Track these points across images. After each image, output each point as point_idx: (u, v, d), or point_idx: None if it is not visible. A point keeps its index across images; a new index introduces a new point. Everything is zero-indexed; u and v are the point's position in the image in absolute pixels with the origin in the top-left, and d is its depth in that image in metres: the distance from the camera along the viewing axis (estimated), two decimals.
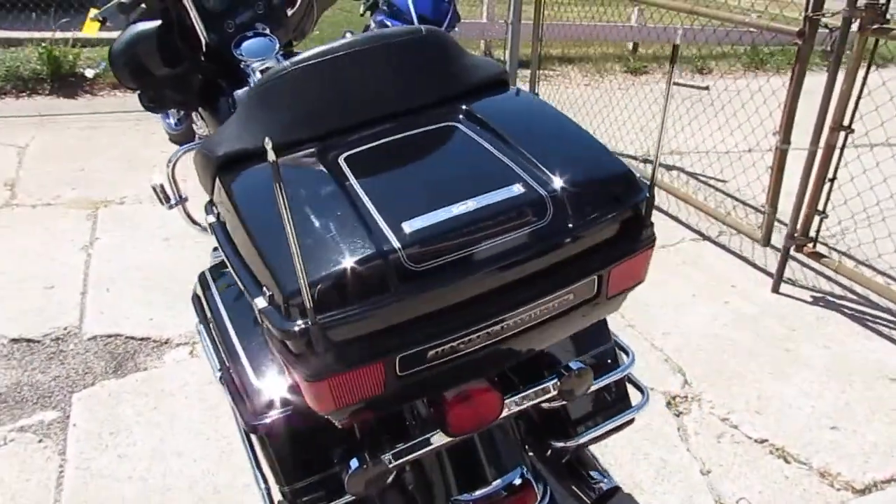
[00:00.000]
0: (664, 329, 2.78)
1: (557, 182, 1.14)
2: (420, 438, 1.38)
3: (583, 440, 1.58)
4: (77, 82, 5.29)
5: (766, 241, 3.20)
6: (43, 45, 5.24)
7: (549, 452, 1.66)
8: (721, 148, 4.02)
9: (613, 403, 1.63)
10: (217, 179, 1.30)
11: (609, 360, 1.61)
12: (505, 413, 1.42)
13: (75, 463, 2.04)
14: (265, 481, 1.43)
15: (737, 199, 3.89)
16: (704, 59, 6.77)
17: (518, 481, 1.47)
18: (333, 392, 1.06)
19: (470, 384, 1.34)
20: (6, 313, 2.69)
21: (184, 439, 2.13)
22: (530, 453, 1.65)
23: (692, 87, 5.93)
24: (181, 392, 2.33)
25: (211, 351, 1.60)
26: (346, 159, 1.24)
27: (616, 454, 2.17)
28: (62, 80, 5.27)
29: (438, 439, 1.37)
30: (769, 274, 3.14)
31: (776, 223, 3.21)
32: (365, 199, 1.14)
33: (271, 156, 0.81)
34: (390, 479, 1.41)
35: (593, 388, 1.53)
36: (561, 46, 6.69)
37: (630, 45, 7.15)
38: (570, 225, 1.13)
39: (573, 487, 1.63)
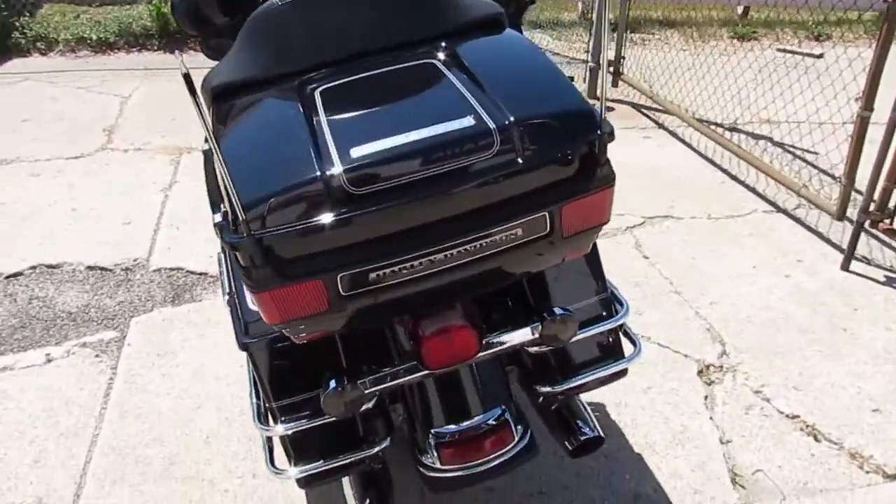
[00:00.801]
0: (713, 298, 2.69)
1: (511, 117, 1.15)
2: (398, 368, 1.45)
3: (566, 387, 1.59)
4: (182, 38, 5.63)
5: (841, 215, 3.00)
6: (153, 2, 5.62)
7: (541, 399, 1.68)
8: (819, 118, 3.77)
9: (604, 353, 1.62)
10: (211, 110, 1.40)
11: (602, 311, 1.60)
12: (484, 353, 1.46)
13: (123, 377, 2.26)
14: (258, 397, 1.53)
15: (823, 172, 3.66)
16: (822, 24, 6.29)
17: (493, 421, 1.50)
18: (277, 304, 1.13)
19: (447, 320, 1.39)
20: (87, 244, 2.97)
21: (222, 365, 2.31)
22: (521, 396, 1.66)
23: (803, 54, 5.56)
24: (227, 323, 2.50)
25: (224, 277, 1.73)
26: (321, 91, 1.31)
27: (634, 414, 2.15)
28: (169, 37, 5.63)
29: (416, 371, 1.43)
30: (841, 250, 2.95)
31: (854, 196, 3.01)
32: (325, 127, 1.20)
33: (183, 69, 0.88)
34: (370, 403, 1.49)
35: (580, 336, 1.54)
36: (662, 9, 6.42)
37: (740, 9, 6.75)
38: (517, 159, 1.14)
39: (559, 434, 1.65)
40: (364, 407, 1.49)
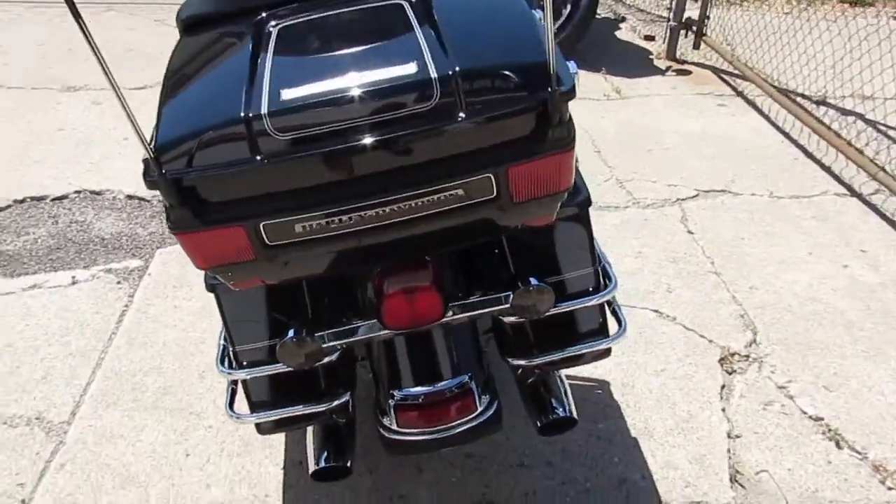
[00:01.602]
0: (754, 283, 2.50)
1: (457, 67, 1.06)
2: (359, 325, 1.40)
3: (539, 361, 1.51)
4: None
5: None
6: None
7: (519, 371, 1.60)
8: None
9: (585, 330, 1.52)
10: (180, 43, 1.36)
11: (587, 285, 1.49)
12: (449, 318, 1.40)
13: (137, 306, 2.32)
14: (227, 340, 1.52)
15: None
16: None
17: (456, 389, 1.44)
18: (199, 248, 1.10)
19: (412, 280, 1.33)
20: (131, 173, 3.06)
21: None
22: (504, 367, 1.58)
23: None
24: None
25: None
26: (280, 28, 1.24)
27: (639, 397, 2.03)
28: None
29: (377, 330, 1.38)
30: None
31: None
32: (268, 67, 1.14)
33: None
34: (333, 357, 1.45)
35: (559, 310, 1.44)
36: None
37: None
38: (458, 113, 1.05)
39: (531, 410, 1.57)
40: (327, 359, 1.46)
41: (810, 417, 1.98)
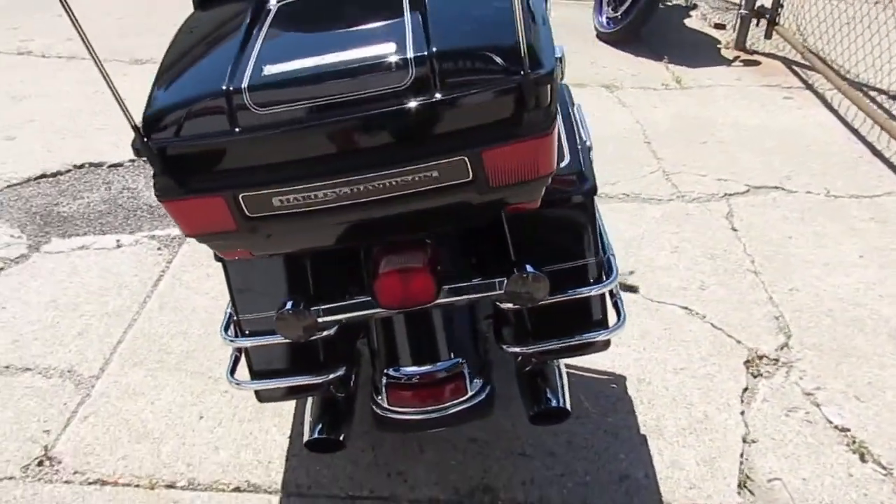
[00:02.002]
0: (795, 285, 2.39)
1: (433, 48, 1.05)
2: (353, 301, 1.42)
3: (532, 349, 1.50)
4: None
5: None
6: None
7: (519, 358, 1.59)
8: None
9: (582, 321, 1.49)
10: (189, 17, 1.41)
11: (587, 275, 1.47)
12: (443, 300, 1.40)
13: (173, 272, 2.42)
14: (232, 308, 1.57)
15: None
16: None
17: (446, 372, 1.45)
18: (183, 215, 1.14)
19: (406, 260, 1.34)
20: None
21: None
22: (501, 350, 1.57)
23: None
24: None
25: None
26: (279, 6, 1.26)
27: (655, 393, 1.98)
28: None
29: (370, 307, 1.40)
30: None
31: None
32: (258, 43, 1.16)
33: None
34: (332, 331, 1.48)
35: (556, 299, 1.42)
36: None
37: None
38: (432, 94, 1.04)
39: (526, 397, 1.56)
40: (325, 334, 1.49)
41: (835, 427, 1.89)
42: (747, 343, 2.15)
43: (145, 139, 1.04)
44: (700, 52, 4.32)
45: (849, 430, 1.88)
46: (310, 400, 1.63)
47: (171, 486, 1.72)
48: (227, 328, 1.56)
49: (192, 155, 1.08)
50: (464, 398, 1.46)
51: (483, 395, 1.49)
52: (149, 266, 2.44)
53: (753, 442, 1.85)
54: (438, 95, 1.04)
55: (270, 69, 1.07)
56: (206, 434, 1.85)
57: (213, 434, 1.85)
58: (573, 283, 1.47)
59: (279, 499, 1.70)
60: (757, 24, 4.32)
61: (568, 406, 1.53)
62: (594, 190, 1.47)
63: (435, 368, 1.48)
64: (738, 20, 4.32)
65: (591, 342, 1.50)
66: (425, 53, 1.04)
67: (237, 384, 1.54)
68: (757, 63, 4.18)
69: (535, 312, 1.50)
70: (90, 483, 1.72)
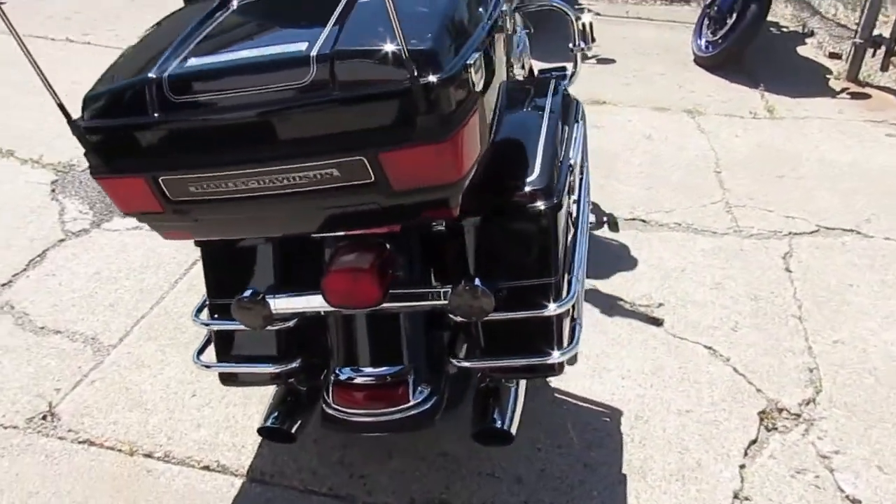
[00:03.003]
0: (842, 337, 2.18)
1: (336, 48, 1.06)
2: (305, 295, 1.45)
3: (478, 365, 1.47)
4: None
5: None
6: None
7: (479, 374, 1.56)
8: None
9: (532, 343, 1.44)
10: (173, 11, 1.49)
11: (541, 295, 1.41)
12: (389, 305, 1.39)
13: None
14: (206, 291, 1.64)
15: None
16: None
17: (390, 378, 1.44)
18: (113, 193, 1.21)
19: (355, 260, 1.35)
20: None
21: None
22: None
23: None
24: None
25: None
26: (240, 4, 1.32)
27: (649, 433, 1.87)
28: None
29: (320, 304, 1.42)
30: None
31: None
32: (199, 37, 1.22)
33: None
34: (291, 323, 1.52)
35: (501, 316, 1.39)
36: None
37: None
38: (329, 92, 1.05)
39: (474, 412, 1.52)
40: (285, 325, 1.53)
41: (846, 497, 1.70)
42: (768, 392, 1.98)
43: (72, 119, 1.12)
44: (804, 81, 4.04)
45: (860, 502, 1.68)
46: (273, 388, 1.67)
47: (148, 455, 1.82)
48: (199, 311, 1.62)
49: (116, 136, 1.14)
50: (404, 406, 1.45)
51: (426, 406, 1.47)
52: (189, 250, 2.58)
53: (746, 500, 1.70)
54: (336, 95, 1.05)
55: (194, 61, 1.13)
56: (194, 412, 1.93)
57: (200, 412, 1.93)
58: (525, 302, 1.42)
59: (241, 482, 1.75)
60: (873, 55, 3.98)
61: (512, 430, 1.48)
62: (556, 207, 1.42)
63: (379, 372, 1.48)
64: (852, 49, 4.00)
65: (540, 365, 1.45)
66: (326, 52, 1.05)
67: (199, 365, 1.61)
68: (867, 96, 3.85)
69: (486, 328, 1.46)
70: (79, 442, 1.85)
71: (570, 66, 2.38)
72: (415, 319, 1.49)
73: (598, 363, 2.09)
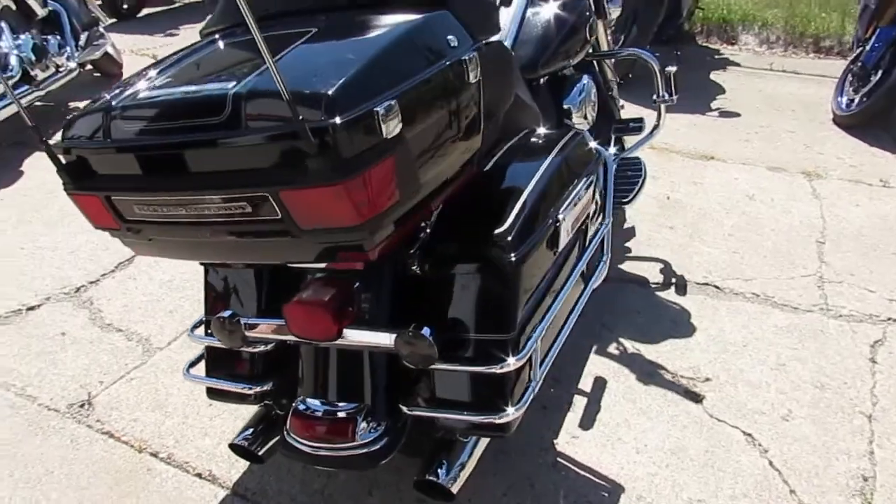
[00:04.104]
0: None
1: (247, 89, 1.11)
2: (273, 322, 1.51)
3: (417, 413, 1.46)
4: None
5: None
6: None
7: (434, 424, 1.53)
8: None
9: (478, 399, 1.40)
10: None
11: (493, 351, 1.37)
12: (342, 341, 1.41)
13: None
14: (204, 308, 1.74)
15: None
16: None
17: (343, 414, 1.46)
18: (82, 208, 1.32)
19: (314, 293, 1.40)
20: None
21: None
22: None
23: None
24: None
25: None
26: (226, 43, 1.42)
27: None
28: None
29: (284, 332, 1.47)
30: None
31: None
32: (170, 70, 1.32)
33: None
34: (267, 346, 1.58)
35: (446, 367, 1.38)
36: None
37: None
38: (238, 130, 1.10)
39: (424, 458, 1.48)
40: (262, 347, 1.60)
41: None
42: (803, 496, 1.75)
43: (43, 138, 1.25)
44: None
45: None
46: (255, 408, 1.73)
47: (154, 454, 1.94)
48: (196, 327, 1.72)
49: (78, 157, 1.25)
50: (348, 444, 1.45)
51: (373, 447, 1.47)
52: None
53: None
54: (242, 133, 1.09)
55: (144, 94, 1.23)
56: (206, 420, 2.04)
57: (211, 422, 2.04)
58: (476, 356, 1.38)
59: (225, 495, 1.82)
60: None
61: (453, 489, 1.44)
62: (517, 263, 1.37)
63: (332, 407, 1.49)
64: None
65: (485, 423, 1.39)
66: (241, 92, 1.10)
67: (187, 377, 1.71)
68: None
69: (438, 378, 1.43)
70: (102, 432, 2.02)
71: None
72: (379, 359, 1.49)
73: (615, 433, 1.96)
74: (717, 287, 2.56)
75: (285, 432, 1.53)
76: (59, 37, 4.05)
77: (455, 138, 1.32)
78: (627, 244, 2.82)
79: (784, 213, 3.02)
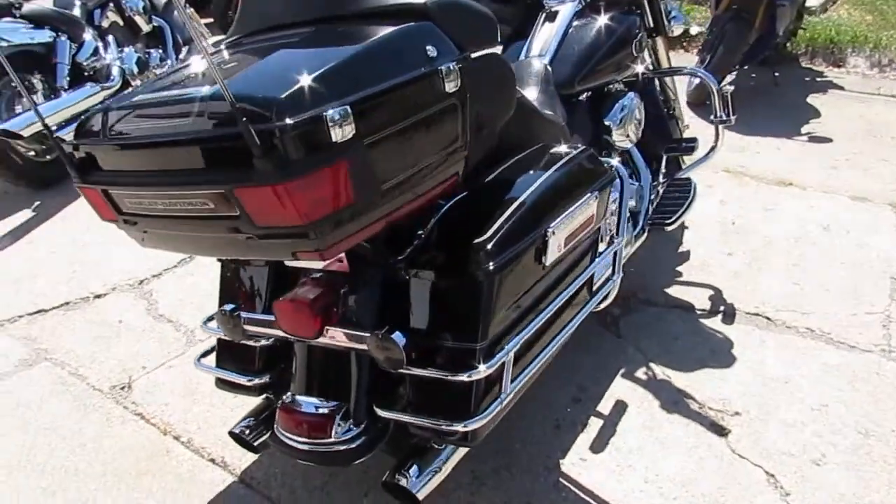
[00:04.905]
0: None
1: (209, 93, 1.18)
2: (267, 318, 1.58)
3: (385, 414, 1.48)
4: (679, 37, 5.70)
5: None
6: None
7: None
8: None
9: (442, 406, 1.42)
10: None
11: (460, 359, 1.39)
12: (324, 341, 1.47)
13: None
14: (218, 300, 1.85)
15: None
16: None
17: (324, 411, 1.51)
18: (88, 201, 1.43)
19: (302, 292, 1.48)
20: None
21: None
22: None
23: None
24: None
25: None
26: (229, 52, 1.51)
27: None
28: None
29: (275, 326, 1.54)
30: None
31: None
32: (175, 72, 1.43)
33: None
34: (268, 340, 1.67)
35: (418, 372, 1.42)
36: None
37: None
38: (202, 129, 1.17)
39: (397, 461, 1.50)
40: (263, 341, 1.68)
41: None
42: None
43: (54, 136, 1.37)
44: None
45: None
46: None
47: (176, 437, 2.07)
48: (210, 319, 1.82)
49: (85, 153, 1.36)
50: (324, 441, 1.50)
51: (348, 446, 1.51)
52: None
53: None
54: (202, 133, 1.16)
55: (140, 96, 1.33)
56: (229, 410, 2.15)
57: (233, 413, 2.13)
58: (445, 363, 1.39)
59: (231, 482, 1.91)
60: None
61: (419, 496, 1.45)
62: (492, 272, 1.38)
63: (315, 402, 1.55)
64: None
65: (445, 431, 1.39)
66: (206, 96, 1.17)
67: (197, 366, 1.81)
68: None
69: (410, 383, 1.45)
70: (133, 413, 2.17)
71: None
72: (364, 361, 1.53)
73: (626, 459, 1.90)
74: (768, 318, 2.42)
75: (275, 425, 1.59)
76: (161, 50, 4.41)
77: (431, 147, 1.33)
78: (679, 268, 2.73)
79: (859, 246, 2.82)
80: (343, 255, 1.53)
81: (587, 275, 1.69)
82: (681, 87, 2.69)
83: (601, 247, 1.79)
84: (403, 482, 1.44)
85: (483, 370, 1.36)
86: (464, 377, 1.35)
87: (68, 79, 3.69)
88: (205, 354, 1.84)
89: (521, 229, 1.47)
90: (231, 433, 1.74)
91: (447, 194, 1.49)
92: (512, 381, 1.44)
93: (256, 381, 1.70)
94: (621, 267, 1.84)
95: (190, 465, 1.97)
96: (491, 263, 1.39)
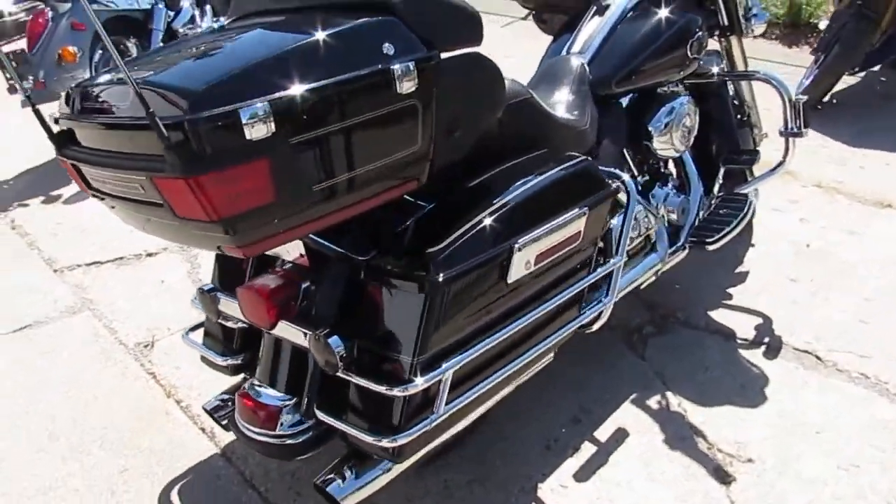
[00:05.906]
0: None
1: (144, 81, 1.16)
2: (232, 301, 1.60)
3: (320, 415, 1.45)
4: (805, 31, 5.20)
5: None
6: None
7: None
8: None
9: (372, 416, 1.38)
10: None
11: (393, 371, 1.33)
12: (277, 333, 1.46)
13: None
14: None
15: None
16: None
17: (278, 403, 1.52)
18: (69, 174, 1.47)
19: (262, 282, 1.48)
20: None
21: None
22: None
23: None
24: None
25: None
26: (221, 29, 1.50)
27: None
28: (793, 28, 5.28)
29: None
30: None
31: None
32: (156, 55, 1.44)
33: None
34: (244, 323, 1.68)
35: (352, 378, 1.39)
36: None
37: None
38: (132, 115, 1.16)
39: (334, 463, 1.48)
40: (239, 324, 1.69)
41: None
42: None
43: (36, 109, 1.40)
44: None
45: None
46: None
47: (178, 401, 2.15)
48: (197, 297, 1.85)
49: (61, 126, 1.39)
50: (272, 433, 1.49)
51: (293, 441, 1.51)
52: None
53: None
54: (131, 118, 1.15)
55: (106, 76, 1.34)
56: (230, 382, 2.17)
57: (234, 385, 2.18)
58: (378, 372, 1.34)
59: (214, 453, 1.96)
60: None
61: (338, 499, 1.40)
62: (440, 283, 1.30)
63: (268, 393, 1.54)
64: None
65: (370, 443, 1.34)
66: (141, 81, 1.16)
67: (184, 341, 1.85)
68: None
69: (347, 388, 1.41)
70: (148, 372, 2.27)
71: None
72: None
73: (610, 493, 1.77)
74: (818, 357, 2.17)
75: (235, 409, 1.61)
76: None
77: (380, 150, 1.26)
78: (731, 290, 2.50)
79: None
80: (303, 250, 1.50)
81: (566, 297, 1.56)
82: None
83: (591, 266, 1.66)
84: (331, 489, 1.40)
85: (416, 385, 1.29)
86: (395, 391, 1.29)
87: (161, 45, 3.88)
88: (192, 329, 1.88)
89: (483, 242, 1.38)
90: (204, 408, 1.77)
91: (432, 196, 1.46)
92: (447, 403, 1.36)
93: (231, 361, 1.72)
94: (615, 291, 1.69)
95: (183, 430, 2.04)
96: (441, 274, 1.32)
